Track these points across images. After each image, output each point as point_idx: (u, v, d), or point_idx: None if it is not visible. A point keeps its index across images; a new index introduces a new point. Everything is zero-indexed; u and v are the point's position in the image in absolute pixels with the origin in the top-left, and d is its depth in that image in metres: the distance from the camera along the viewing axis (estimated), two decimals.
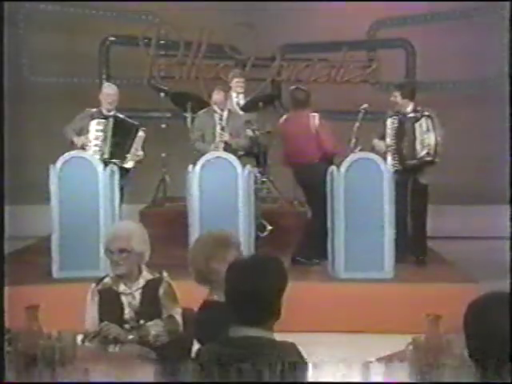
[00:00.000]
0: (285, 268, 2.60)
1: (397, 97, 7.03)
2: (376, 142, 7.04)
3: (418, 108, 6.99)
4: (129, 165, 7.06)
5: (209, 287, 3.51)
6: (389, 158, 6.94)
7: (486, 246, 8.14)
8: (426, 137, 6.84)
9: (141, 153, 7.14)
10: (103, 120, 7.03)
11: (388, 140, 7.01)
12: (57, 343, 3.12)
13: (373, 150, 6.96)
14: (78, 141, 6.97)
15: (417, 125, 6.87)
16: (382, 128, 7.07)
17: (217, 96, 7.38)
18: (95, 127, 7.01)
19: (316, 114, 7.09)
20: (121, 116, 7.18)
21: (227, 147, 7.17)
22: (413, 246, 7.15)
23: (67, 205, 6.47)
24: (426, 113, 6.88)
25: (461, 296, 4.80)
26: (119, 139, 7.04)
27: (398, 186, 6.71)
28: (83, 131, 7.02)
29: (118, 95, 7.19)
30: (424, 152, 6.84)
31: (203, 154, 6.78)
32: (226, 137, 7.26)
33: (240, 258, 3.13)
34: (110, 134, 6.99)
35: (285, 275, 2.58)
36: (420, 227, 7.10)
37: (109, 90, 7.22)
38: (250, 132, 7.78)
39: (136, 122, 7.28)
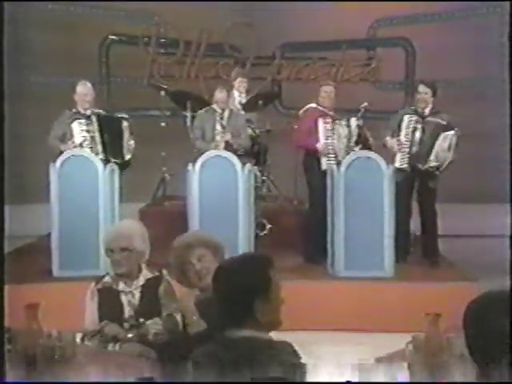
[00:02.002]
0: (267, 267, 2.55)
1: (427, 94, 6.88)
2: (388, 140, 6.92)
3: (435, 110, 6.92)
4: (127, 157, 6.92)
5: (192, 288, 3.62)
6: (398, 155, 6.88)
7: (486, 244, 8.14)
8: (443, 155, 6.75)
9: (132, 142, 6.98)
10: (84, 120, 6.79)
11: (402, 137, 6.88)
12: (56, 342, 3.12)
13: (384, 146, 6.93)
14: (66, 148, 6.70)
15: (442, 136, 6.76)
16: (396, 123, 6.95)
17: (220, 95, 7.35)
18: (78, 129, 6.76)
19: (309, 106, 7.15)
20: (102, 112, 6.97)
21: (228, 147, 7.15)
22: (424, 247, 7.15)
23: (67, 203, 6.47)
24: (456, 129, 6.77)
25: (461, 295, 4.81)
26: (109, 137, 6.83)
27: (402, 185, 6.71)
28: (66, 136, 6.80)
29: (93, 93, 6.95)
30: (435, 164, 6.78)
31: (203, 153, 6.79)
32: (228, 136, 7.24)
33: (225, 260, 3.15)
34: (97, 133, 6.78)
35: (266, 274, 2.53)
36: (432, 229, 7.08)
37: (84, 89, 6.90)
38: (249, 131, 7.79)
39: (118, 115, 7.10)
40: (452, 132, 6.79)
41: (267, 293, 2.48)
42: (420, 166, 6.81)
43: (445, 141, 6.78)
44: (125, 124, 6.99)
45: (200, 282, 3.54)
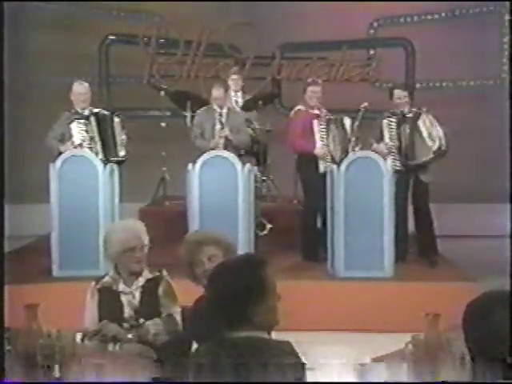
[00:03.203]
0: (260, 268, 2.53)
1: (406, 97, 6.97)
2: (375, 146, 6.93)
3: (413, 109, 6.99)
4: (122, 154, 6.89)
5: (197, 283, 3.59)
6: (389, 158, 6.91)
7: (486, 244, 8.14)
8: (433, 130, 6.85)
9: (124, 136, 6.94)
10: (83, 120, 6.77)
11: (387, 141, 6.96)
12: (56, 342, 3.12)
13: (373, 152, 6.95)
14: (65, 148, 6.70)
15: (420, 122, 6.86)
16: (378, 130, 7.01)
17: (217, 92, 7.35)
18: (77, 129, 6.75)
19: (298, 108, 7.17)
20: (99, 112, 6.94)
21: (228, 143, 7.16)
22: (422, 246, 7.15)
23: (67, 203, 6.47)
24: (424, 109, 6.89)
25: (460, 294, 4.81)
26: (104, 135, 6.82)
27: (399, 185, 6.73)
28: (65, 136, 6.79)
29: (90, 92, 6.94)
30: (436, 145, 6.84)
31: (203, 151, 6.79)
32: (227, 131, 7.23)
33: (222, 260, 3.12)
34: (96, 133, 6.77)
35: (259, 276, 2.51)
36: (427, 227, 7.10)
37: (80, 89, 6.89)
38: (249, 131, 7.80)
39: (107, 112, 7.06)
40: (424, 113, 6.88)
41: (261, 294, 2.46)
42: (425, 158, 6.84)
43: (424, 122, 6.87)
44: (116, 120, 6.96)
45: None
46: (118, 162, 6.84)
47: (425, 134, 6.85)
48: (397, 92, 7.01)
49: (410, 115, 6.93)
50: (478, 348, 2.15)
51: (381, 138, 6.98)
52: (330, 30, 9.71)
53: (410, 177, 6.98)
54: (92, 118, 6.81)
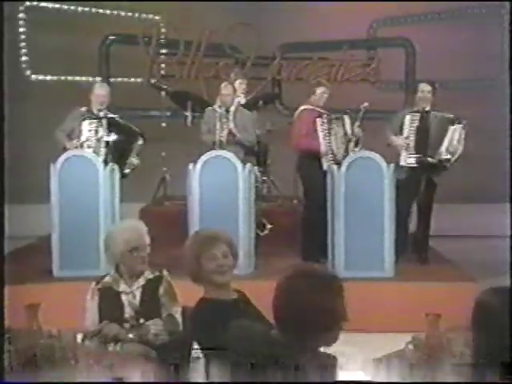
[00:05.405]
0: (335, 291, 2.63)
1: (429, 93, 6.93)
2: (394, 138, 6.95)
3: (436, 108, 6.98)
4: (126, 171, 6.92)
5: (202, 285, 3.53)
6: (403, 154, 6.91)
7: (486, 244, 8.14)
8: (453, 148, 6.81)
9: (137, 161, 7.00)
10: (95, 120, 6.81)
11: (405, 135, 6.92)
12: (57, 342, 3.12)
13: (389, 146, 6.97)
14: (70, 146, 6.77)
15: (451, 129, 6.82)
16: (398, 123, 6.98)
17: (226, 89, 7.39)
18: (88, 128, 6.79)
19: (304, 107, 7.14)
20: (116, 118, 6.98)
21: (231, 137, 7.19)
22: (416, 244, 7.16)
23: (67, 203, 6.46)
24: (464, 121, 6.85)
25: (461, 295, 4.82)
26: (117, 144, 6.83)
27: (410, 183, 6.75)
28: (74, 132, 6.84)
29: (109, 96, 7.00)
30: (446, 156, 6.82)
31: (209, 146, 6.96)
32: (231, 125, 7.26)
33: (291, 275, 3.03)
34: (103, 135, 6.79)
35: (334, 294, 2.62)
36: (425, 226, 7.11)
37: (101, 91, 6.97)
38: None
39: (137, 129, 7.10)
40: (461, 125, 6.85)
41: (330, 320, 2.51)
42: (430, 159, 6.83)
43: (454, 133, 6.84)
44: (140, 142, 7.00)
45: (222, 277, 3.40)
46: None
47: (447, 141, 6.81)
48: (422, 85, 7.00)
49: (448, 116, 6.87)
50: (485, 348, 2.14)
51: (400, 132, 6.96)
52: (330, 29, 9.71)
53: (423, 175, 6.95)
54: (104, 121, 6.82)
